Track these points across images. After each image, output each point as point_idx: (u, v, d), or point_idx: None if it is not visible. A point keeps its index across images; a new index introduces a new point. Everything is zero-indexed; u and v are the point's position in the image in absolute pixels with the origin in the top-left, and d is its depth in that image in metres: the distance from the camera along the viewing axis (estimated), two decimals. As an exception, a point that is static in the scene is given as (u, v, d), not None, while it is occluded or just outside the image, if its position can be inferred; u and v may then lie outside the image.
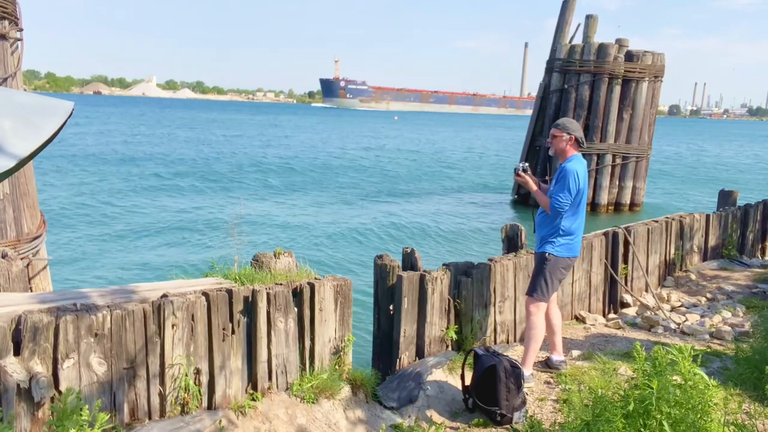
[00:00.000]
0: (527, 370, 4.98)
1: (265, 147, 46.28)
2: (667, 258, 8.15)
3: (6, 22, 5.71)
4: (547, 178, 5.62)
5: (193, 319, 3.68)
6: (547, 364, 5.30)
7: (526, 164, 5.13)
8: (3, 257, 4.45)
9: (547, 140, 5.22)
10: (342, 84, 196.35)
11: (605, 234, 7.08)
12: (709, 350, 5.63)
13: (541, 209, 5.04)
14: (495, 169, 37.35)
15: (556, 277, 5.00)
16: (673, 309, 7.17)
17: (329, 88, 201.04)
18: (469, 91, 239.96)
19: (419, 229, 18.37)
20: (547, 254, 4.94)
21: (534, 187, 5.08)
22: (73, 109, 2.15)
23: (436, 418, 4.49)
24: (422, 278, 4.98)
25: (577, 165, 4.88)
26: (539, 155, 20.85)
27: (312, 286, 4.19)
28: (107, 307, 3.45)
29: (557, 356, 5.30)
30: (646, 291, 7.52)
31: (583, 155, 5.08)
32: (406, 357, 4.97)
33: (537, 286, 4.97)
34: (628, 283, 7.33)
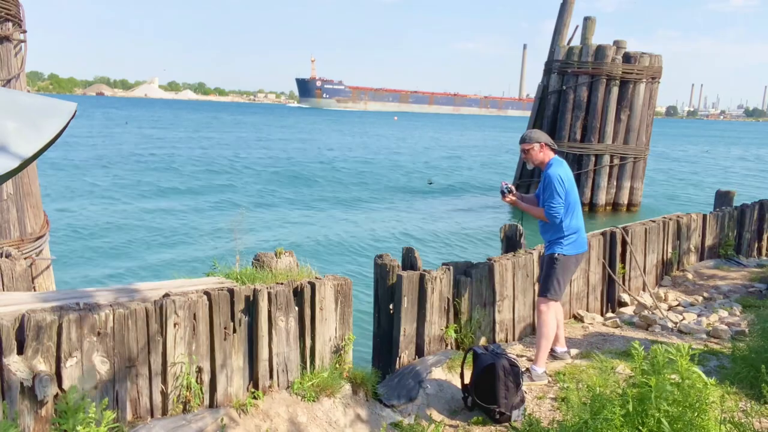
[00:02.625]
0: (541, 368, 5.09)
1: (265, 148, 46.25)
2: (665, 257, 8.19)
3: (9, 24, 5.75)
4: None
5: (194, 318, 3.71)
6: (552, 355, 5.43)
7: (509, 184, 5.19)
8: (7, 257, 4.48)
9: (522, 156, 5.31)
10: (318, 84, 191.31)
11: (603, 234, 7.11)
12: (706, 349, 5.66)
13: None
14: (494, 168, 37.37)
15: (568, 276, 5.18)
16: (670, 308, 7.20)
17: (305, 88, 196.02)
18: (449, 91, 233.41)
19: (418, 229, 18.39)
20: (556, 255, 5.07)
21: (523, 205, 5.22)
22: (75, 110, 2.18)
23: (436, 416, 4.53)
24: (422, 277, 5.02)
25: (558, 168, 5.02)
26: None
27: (313, 286, 4.22)
28: (110, 306, 3.48)
29: (561, 347, 5.50)
30: (644, 290, 7.56)
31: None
32: (405, 356, 5.01)
33: (550, 287, 5.10)
34: (626, 283, 7.36)
